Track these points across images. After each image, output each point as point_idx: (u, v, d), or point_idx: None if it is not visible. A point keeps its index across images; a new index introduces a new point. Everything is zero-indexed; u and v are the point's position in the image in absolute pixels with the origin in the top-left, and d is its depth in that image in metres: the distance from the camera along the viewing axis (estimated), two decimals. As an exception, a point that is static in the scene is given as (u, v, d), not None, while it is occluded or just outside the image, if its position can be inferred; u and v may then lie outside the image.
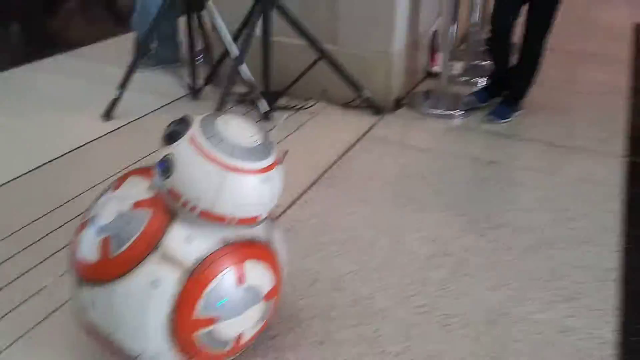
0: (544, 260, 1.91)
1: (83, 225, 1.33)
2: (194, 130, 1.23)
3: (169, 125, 1.28)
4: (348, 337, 1.56)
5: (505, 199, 2.32)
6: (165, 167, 1.22)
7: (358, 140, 2.74)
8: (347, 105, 3.04)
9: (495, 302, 1.71)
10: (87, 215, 1.34)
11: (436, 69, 3.48)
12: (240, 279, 1.27)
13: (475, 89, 3.21)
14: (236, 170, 1.21)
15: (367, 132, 2.82)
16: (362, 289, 1.75)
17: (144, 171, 1.36)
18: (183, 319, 1.23)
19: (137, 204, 1.27)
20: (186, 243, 1.24)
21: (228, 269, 1.26)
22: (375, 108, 3.00)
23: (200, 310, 1.23)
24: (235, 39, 2.90)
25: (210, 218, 1.23)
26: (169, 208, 1.25)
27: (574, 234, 2.06)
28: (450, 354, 1.53)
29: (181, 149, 1.22)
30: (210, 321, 1.25)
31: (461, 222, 2.12)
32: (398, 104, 3.10)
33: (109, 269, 1.24)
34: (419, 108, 3.09)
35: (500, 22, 2.89)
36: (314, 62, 2.86)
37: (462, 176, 2.49)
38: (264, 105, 2.87)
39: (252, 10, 2.78)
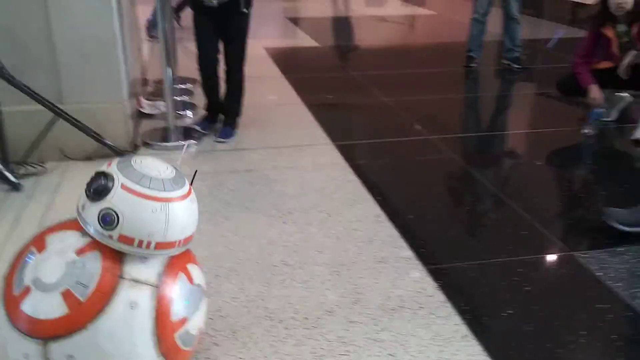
0: (336, 223, 2.48)
1: (21, 296, 1.33)
2: (121, 179, 1.35)
3: (91, 183, 1.36)
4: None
5: (280, 192, 2.82)
6: (111, 219, 1.32)
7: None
8: (89, 158, 3.11)
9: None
10: (19, 285, 1.34)
11: (145, 110, 3.81)
12: (190, 280, 1.48)
13: (196, 121, 3.63)
14: (172, 200, 1.39)
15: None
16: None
17: (61, 226, 1.42)
18: (164, 328, 1.39)
19: (81, 250, 1.36)
20: (144, 265, 1.39)
21: (180, 274, 1.45)
22: (119, 153, 3.16)
23: (173, 315, 1.40)
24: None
25: (164, 247, 1.39)
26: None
27: (342, 201, 2.70)
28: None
29: (119, 199, 1.33)
30: (183, 322, 1.43)
31: (261, 218, 2.54)
32: (135, 146, 3.31)
33: (84, 313, 1.31)
34: (154, 146, 3.36)
35: (206, 60, 3.38)
36: (52, 122, 2.88)
37: (235, 185, 2.89)
38: (10, 176, 2.76)
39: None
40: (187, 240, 1.46)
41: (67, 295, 1.31)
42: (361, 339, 1.77)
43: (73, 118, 2.95)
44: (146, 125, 3.66)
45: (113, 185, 1.34)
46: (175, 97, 4.01)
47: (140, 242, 1.35)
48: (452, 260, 2.25)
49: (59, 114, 2.91)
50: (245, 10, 3.25)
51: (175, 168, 1.49)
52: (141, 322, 1.35)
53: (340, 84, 4.91)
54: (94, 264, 1.34)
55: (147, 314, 1.35)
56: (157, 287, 1.38)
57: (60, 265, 1.33)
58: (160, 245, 1.38)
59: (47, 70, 2.99)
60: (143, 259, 1.39)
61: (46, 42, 2.95)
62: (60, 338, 1.31)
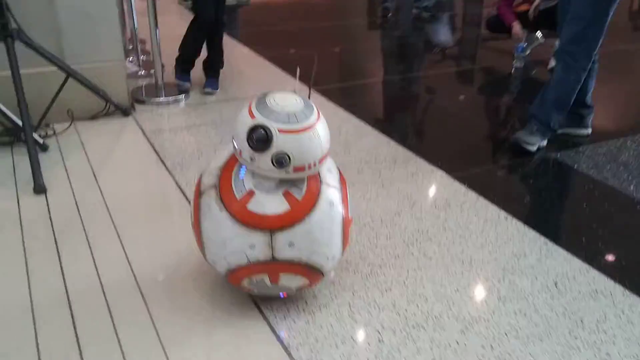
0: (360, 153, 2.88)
1: (246, 199, 1.59)
2: (275, 124, 1.54)
3: (252, 137, 1.54)
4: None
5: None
6: (284, 160, 1.55)
7: (148, 135, 3.04)
8: (95, 117, 3.19)
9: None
10: (240, 191, 1.60)
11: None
12: (345, 185, 1.81)
13: (179, 75, 3.76)
14: (316, 123, 1.61)
15: (143, 131, 3.12)
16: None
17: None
18: (346, 222, 1.73)
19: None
20: (329, 173, 1.71)
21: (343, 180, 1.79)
22: (123, 111, 3.26)
23: (349, 213, 1.75)
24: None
25: (323, 159, 1.63)
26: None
27: (355, 135, 3.08)
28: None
29: (282, 141, 1.54)
30: (351, 219, 1.77)
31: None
32: (132, 104, 3.41)
33: (302, 209, 1.62)
34: (148, 102, 3.48)
35: (208, 18, 3.52)
36: (64, 82, 2.92)
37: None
38: (38, 138, 2.80)
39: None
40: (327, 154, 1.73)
41: (287, 195, 1.61)
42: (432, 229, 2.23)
43: (84, 78, 3.01)
44: (133, 83, 3.72)
45: (272, 132, 1.55)
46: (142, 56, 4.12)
47: (309, 166, 1.61)
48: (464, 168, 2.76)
49: (73, 75, 2.95)
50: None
51: (297, 95, 1.69)
52: (337, 217, 1.68)
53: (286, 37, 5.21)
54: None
55: (339, 212, 1.69)
56: (339, 189, 1.72)
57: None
58: (321, 160, 1.64)
59: (48, 30, 3.00)
60: (329, 168, 1.71)
61: (47, 1, 2.96)
62: (284, 229, 1.61)
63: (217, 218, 1.66)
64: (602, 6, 2.55)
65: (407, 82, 4.21)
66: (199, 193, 1.73)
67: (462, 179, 2.62)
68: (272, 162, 1.55)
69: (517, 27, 4.35)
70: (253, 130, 1.54)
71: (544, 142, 2.90)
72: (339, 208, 1.69)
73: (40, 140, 2.82)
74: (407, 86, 4.09)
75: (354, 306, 1.82)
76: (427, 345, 1.66)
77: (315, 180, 1.66)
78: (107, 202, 2.38)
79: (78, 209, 2.32)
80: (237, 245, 1.65)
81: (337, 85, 4.06)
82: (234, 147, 1.63)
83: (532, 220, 2.31)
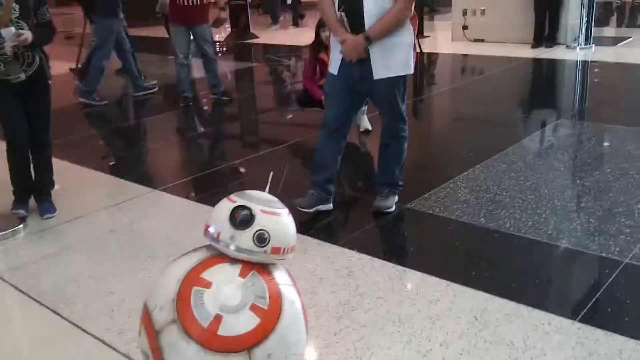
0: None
1: (214, 325, 1.56)
2: (257, 206, 1.65)
3: (234, 217, 1.61)
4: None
5: (153, 239, 3.04)
6: (264, 237, 1.62)
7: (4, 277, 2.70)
8: None
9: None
10: (205, 318, 1.56)
11: None
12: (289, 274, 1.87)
13: (12, 206, 3.36)
14: (287, 212, 1.72)
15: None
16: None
17: (204, 265, 1.65)
18: (305, 313, 1.77)
19: (242, 274, 1.63)
20: (281, 271, 1.74)
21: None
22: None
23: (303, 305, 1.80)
24: None
25: (292, 250, 1.71)
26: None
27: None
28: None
29: (264, 220, 1.63)
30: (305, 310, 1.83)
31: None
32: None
33: (271, 317, 1.60)
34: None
35: (21, 139, 3.22)
36: None
37: (122, 242, 2.98)
38: None
39: None
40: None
41: (254, 308, 1.60)
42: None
43: None
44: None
45: (255, 212, 1.64)
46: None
47: (285, 250, 1.69)
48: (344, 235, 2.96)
49: None
50: (49, 79, 3.27)
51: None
52: (299, 312, 1.72)
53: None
54: (258, 279, 1.65)
55: (299, 306, 1.73)
56: (293, 285, 1.76)
57: (235, 290, 1.61)
58: (291, 249, 1.73)
59: None
60: (279, 266, 1.75)
61: None
62: (260, 343, 1.59)
63: (186, 353, 1.57)
64: (403, 89, 2.99)
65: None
66: (154, 333, 1.64)
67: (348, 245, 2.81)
68: (254, 240, 1.61)
69: (326, 99, 4.76)
70: (236, 209, 1.62)
71: (397, 197, 3.23)
72: (298, 304, 1.74)
73: None
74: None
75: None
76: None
77: (274, 284, 1.69)
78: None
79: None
80: (219, 374, 1.59)
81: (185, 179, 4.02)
82: (210, 234, 1.64)
83: (428, 268, 2.57)
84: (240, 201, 1.67)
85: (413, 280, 2.50)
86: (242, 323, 1.59)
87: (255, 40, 10.63)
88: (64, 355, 2.17)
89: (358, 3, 2.77)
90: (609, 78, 6.59)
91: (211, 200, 3.40)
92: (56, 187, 3.58)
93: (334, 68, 3.00)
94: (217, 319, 1.58)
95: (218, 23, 6.10)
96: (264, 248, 1.65)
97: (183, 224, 3.19)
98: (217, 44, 10.25)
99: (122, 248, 2.99)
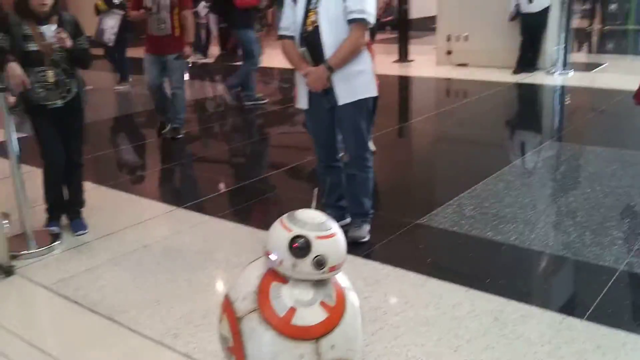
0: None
1: (288, 316, 1.81)
2: (312, 233, 1.86)
3: (293, 247, 1.82)
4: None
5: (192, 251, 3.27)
6: (323, 261, 1.85)
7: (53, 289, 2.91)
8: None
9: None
10: (282, 309, 1.82)
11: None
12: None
13: (46, 224, 3.57)
14: (339, 232, 1.95)
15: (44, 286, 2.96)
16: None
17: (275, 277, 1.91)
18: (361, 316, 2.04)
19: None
20: (341, 277, 2.01)
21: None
22: (6, 270, 3.05)
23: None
24: None
25: (342, 265, 1.97)
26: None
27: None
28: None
29: (320, 246, 1.85)
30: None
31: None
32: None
33: (337, 313, 1.88)
34: (23, 256, 3.28)
35: (58, 161, 3.43)
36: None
37: (156, 258, 3.21)
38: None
39: None
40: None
41: (323, 305, 1.87)
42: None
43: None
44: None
45: (311, 240, 1.86)
46: None
47: (339, 265, 1.93)
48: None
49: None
50: (84, 105, 3.51)
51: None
52: (359, 314, 1.98)
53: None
54: (327, 281, 1.91)
55: (359, 309, 1.99)
56: (353, 291, 2.02)
57: (308, 287, 1.86)
58: (342, 264, 1.98)
59: None
60: (344, 275, 2.00)
61: None
62: (327, 334, 1.85)
63: (264, 338, 1.84)
64: (367, 116, 3.21)
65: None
66: (235, 320, 1.89)
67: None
68: (313, 266, 1.84)
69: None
70: (294, 240, 1.83)
71: (369, 226, 3.35)
72: (358, 305, 2.00)
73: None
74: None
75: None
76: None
77: (339, 287, 1.96)
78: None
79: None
80: (286, 357, 1.84)
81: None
82: (272, 260, 1.86)
83: (446, 276, 2.85)
84: (295, 230, 1.86)
85: (434, 287, 2.78)
86: (313, 316, 1.85)
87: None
88: (130, 358, 2.39)
89: (317, 38, 3.00)
90: (587, 102, 7.04)
91: (236, 216, 3.75)
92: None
93: (303, 103, 3.21)
94: (292, 310, 1.84)
95: (181, 56, 5.70)
96: (323, 270, 1.87)
97: (213, 240, 3.44)
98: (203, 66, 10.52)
99: (158, 262, 3.20)
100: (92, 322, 2.64)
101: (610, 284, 2.75)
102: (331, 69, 3.01)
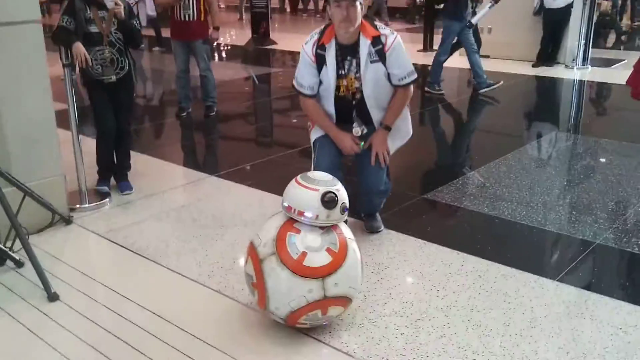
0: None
1: (301, 258, 2.28)
2: (333, 188, 2.37)
3: (325, 201, 2.31)
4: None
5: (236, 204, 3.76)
6: (346, 207, 2.41)
7: (106, 236, 3.42)
8: (40, 230, 3.44)
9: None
10: (295, 252, 2.28)
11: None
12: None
13: (97, 184, 4.09)
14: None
15: (98, 234, 3.48)
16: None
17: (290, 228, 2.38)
18: (362, 261, 2.49)
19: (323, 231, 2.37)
20: (345, 228, 2.47)
21: (349, 234, 2.57)
22: (66, 220, 3.57)
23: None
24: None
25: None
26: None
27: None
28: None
29: (341, 196, 2.39)
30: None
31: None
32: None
33: (340, 258, 2.36)
34: (78, 209, 3.80)
35: (110, 128, 3.93)
36: (22, 201, 3.19)
37: (200, 213, 3.70)
38: (14, 255, 3.03)
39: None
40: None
41: (329, 250, 2.33)
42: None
43: (38, 196, 3.30)
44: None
45: (335, 193, 2.37)
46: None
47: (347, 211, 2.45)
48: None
49: (29, 193, 3.23)
50: (135, 81, 4.00)
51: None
52: (358, 258, 2.44)
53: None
54: (332, 232, 2.38)
55: (359, 255, 2.45)
56: (354, 240, 2.48)
57: (317, 236, 2.34)
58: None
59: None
60: (345, 225, 2.47)
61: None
62: (331, 274, 2.32)
63: (281, 276, 2.32)
64: None
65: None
66: (258, 261, 2.36)
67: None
68: (341, 212, 2.36)
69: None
70: (324, 195, 2.33)
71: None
72: (358, 253, 2.46)
73: (17, 257, 3.05)
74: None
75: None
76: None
77: (343, 236, 2.42)
78: (124, 294, 2.79)
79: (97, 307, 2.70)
80: (298, 291, 2.32)
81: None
82: (307, 217, 2.33)
83: (442, 241, 3.29)
84: (321, 188, 2.36)
85: (431, 249, 3.22)
86: (320, 259, 2.33)
87: (274, 47, 11.42)
88: (170, 294, 2.87)
89: (364, 106, 3.19)
90: (602, 97, 7.34)
91: (262, 185, 4.20)
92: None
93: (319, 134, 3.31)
94: (303, 254, 2.32)
95: (208, 41, 6.09)
96: (345, 214, 2.40)
97: (241, 203, 3.92)
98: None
99: (195, 219, 3.69)
100: (140, 263, 3.14)
101: (584, 254, 3.16)
102: (389, 129, 3.24)
